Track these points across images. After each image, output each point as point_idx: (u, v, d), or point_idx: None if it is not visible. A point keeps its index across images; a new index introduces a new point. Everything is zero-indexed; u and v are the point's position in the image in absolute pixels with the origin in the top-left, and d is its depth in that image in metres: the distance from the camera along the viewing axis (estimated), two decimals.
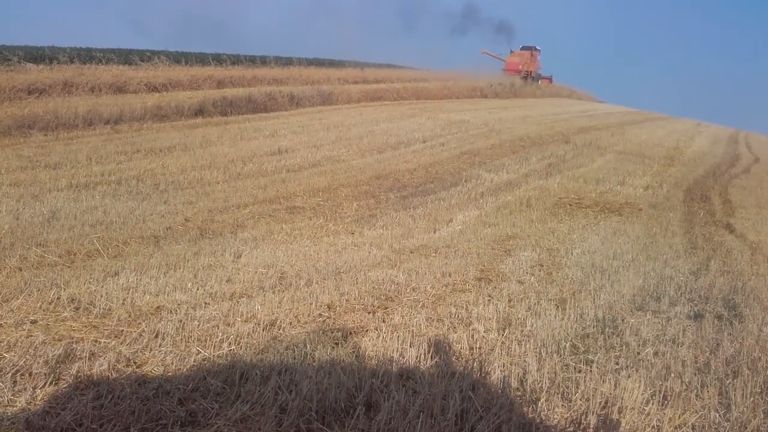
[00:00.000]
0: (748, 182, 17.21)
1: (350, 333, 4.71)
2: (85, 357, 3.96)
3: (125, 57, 26.05)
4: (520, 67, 51.31)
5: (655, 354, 4.58)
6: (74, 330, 4.45)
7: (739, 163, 21.93)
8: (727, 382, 4.18)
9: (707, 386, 4.10)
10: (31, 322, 4.52)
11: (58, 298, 4.99)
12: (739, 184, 16.69)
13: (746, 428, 3.69)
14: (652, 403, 3.81)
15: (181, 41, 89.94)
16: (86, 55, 24.76)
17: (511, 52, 55.02)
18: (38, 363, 3.82)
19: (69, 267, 6.27)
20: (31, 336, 4.24)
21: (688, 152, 22.44)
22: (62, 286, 5.36)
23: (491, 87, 39.69)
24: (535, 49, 54.85)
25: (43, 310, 4.77)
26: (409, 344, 4.48)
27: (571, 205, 11.20)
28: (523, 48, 54.93)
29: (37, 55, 22.58)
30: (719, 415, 3.76)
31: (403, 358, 4.28)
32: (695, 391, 4.03)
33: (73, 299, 5.01)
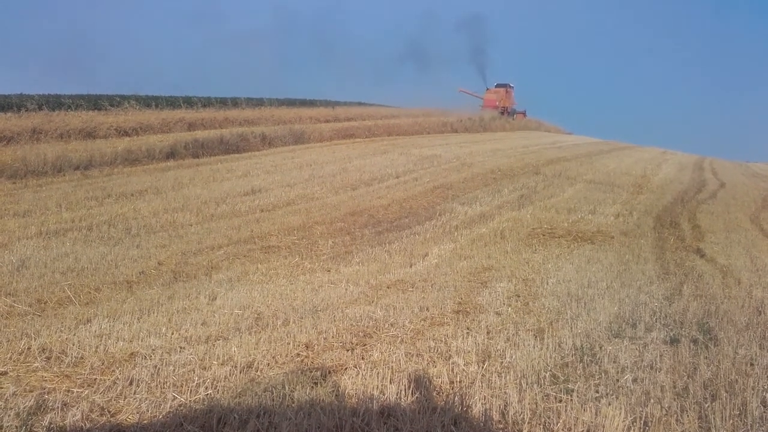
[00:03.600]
0: (715, 207, 17.56)
1: (329, 372, 4.66)
2: (58, 408, 3.86)
3: (95, 102, 26.00)
4: (497, 103, 53.02)
5: (634, 380, 4.61)
6: (46, 380, 4.34)
7: (706, 189, 22.40)
8: (706, 405, 4.21)
9: (687, 410, 4.13)
10: (0, 374, 4.40)
11: (29, 348, 4.88)
12: (707, 209, 17.02)
13: None
14: (633, 430, 3.82)
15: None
16: (55, 102, 24.70)
17: (487, 89, 56.61)
18: (9, 416, 3.71)
19: (40, 316, 6.15)
20: (1, 388, 4.13)
21: (655, 180, 22.89)
22: (33, 335, 5.24)
23: (461, 122, 40.34)
24: (509, 86, 56.50)
25: (14, 361, 4.65)
26: (389, 381, 4.45)
27: (544, 235, 11.30)
28: (498, 85, 56.69)
29: (5, 104, 22.45)
30: None
31: (384, 395, 4.24)
32: (675, 415, 4.05)
33: (44, 349, 4.90)
